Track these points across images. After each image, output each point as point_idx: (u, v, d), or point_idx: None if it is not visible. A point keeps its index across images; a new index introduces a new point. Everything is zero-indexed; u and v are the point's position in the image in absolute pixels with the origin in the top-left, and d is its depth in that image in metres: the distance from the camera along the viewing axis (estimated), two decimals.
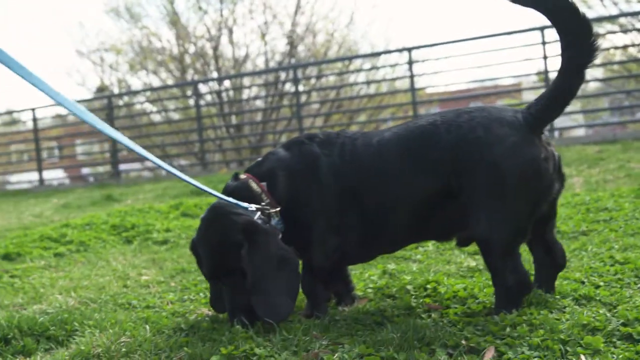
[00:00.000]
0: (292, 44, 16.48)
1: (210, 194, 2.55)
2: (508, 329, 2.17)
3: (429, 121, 2.45)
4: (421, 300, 2.67)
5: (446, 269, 3.24)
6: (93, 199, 9.36)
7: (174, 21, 17.39)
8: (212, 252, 2.49)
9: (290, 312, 2.46)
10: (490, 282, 2.71)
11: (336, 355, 2.08)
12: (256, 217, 2.48)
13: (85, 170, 27.42)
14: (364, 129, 13.16)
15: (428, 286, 2.82)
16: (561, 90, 2.29)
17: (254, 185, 2.58)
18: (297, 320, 2.52)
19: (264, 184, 2.59)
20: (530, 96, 19.56)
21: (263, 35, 16.64)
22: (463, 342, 2.12)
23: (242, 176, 2.65)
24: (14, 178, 18.43)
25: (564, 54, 2.27)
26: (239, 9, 19.67)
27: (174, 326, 2.61)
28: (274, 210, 2.54)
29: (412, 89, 11.66)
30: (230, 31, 17.01)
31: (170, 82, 18.04)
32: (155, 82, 18.13)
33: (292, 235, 2.56)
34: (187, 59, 17.61)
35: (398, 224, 2.50)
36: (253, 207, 2.50)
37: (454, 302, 2.59)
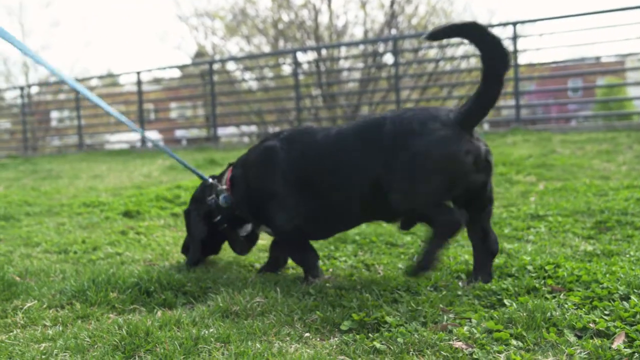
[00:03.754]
0: (393, 15, 16.34)
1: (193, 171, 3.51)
2: (638, 316, 2.18)
3: (382, 115, 2.81)
4: (542, 281, 2.70)
5: (562, 251, 3.24)
6: (196, 161, 9.69)
7: None
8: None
9: (196, 260, 3.34)
10: (614, 268, 2.74)
11: (465, 328, 2.16)
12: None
13: (179, 133, 28.37)
14: (461, 103, 12.93)
15: (547, 267, 2.84)
16: (485, 94, 2.62)
17: (226, 172, 3.31)
18: (423, 293, 2.62)
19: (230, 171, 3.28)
20: (635, 75, 18.72)
21: (363, 5, 16.57)
22: (591, 325, 2.15)
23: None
24: (113, 138, 19.40)
25: (484, 66, 2.60)
26: None
27: (301, 290, 2.75)
28: (222, 188, 3.24)
29: (516, 65, 11.38)
30: (329, 0, 17.02)
31: (265, 50, 18.26)
32: (251, 49, 18.39)
33: (259, 214, 3.13)
34: (286, 28, 17.75)
35: (346, 205, 2.86)
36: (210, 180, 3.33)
37: (576, 285, 2.60)
